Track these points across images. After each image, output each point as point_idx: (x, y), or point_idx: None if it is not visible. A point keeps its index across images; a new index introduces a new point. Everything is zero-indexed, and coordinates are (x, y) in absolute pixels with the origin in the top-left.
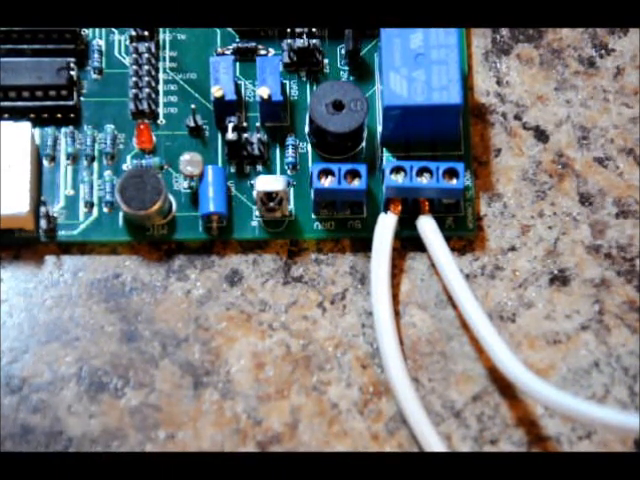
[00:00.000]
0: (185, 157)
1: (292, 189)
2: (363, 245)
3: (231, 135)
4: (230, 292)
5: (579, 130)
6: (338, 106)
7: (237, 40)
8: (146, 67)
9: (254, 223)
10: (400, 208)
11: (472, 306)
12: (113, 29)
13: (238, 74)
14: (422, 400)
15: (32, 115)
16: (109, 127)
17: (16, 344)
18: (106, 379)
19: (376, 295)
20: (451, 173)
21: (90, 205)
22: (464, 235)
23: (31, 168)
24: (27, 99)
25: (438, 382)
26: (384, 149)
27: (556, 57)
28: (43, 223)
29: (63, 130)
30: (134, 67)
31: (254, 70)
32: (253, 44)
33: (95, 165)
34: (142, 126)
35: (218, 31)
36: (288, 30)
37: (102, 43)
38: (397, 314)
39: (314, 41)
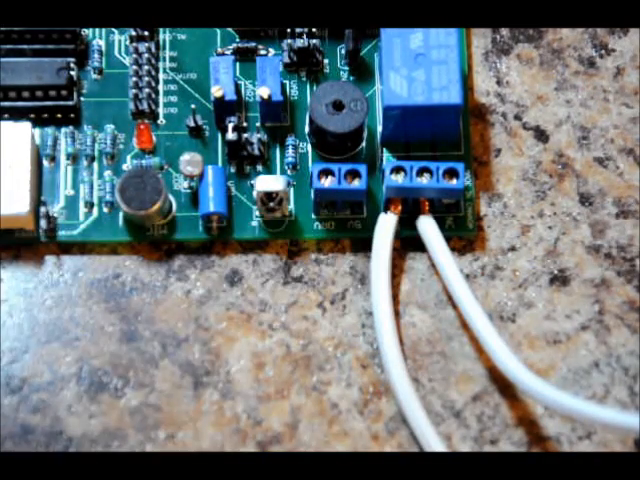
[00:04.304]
0: (185, 157)
1: (292, 189)
2: (363, 245)
3: (231, 135)
4: (230, 292)
5: (579, 130)
6: (338, 106)
7: (237, 40)
8: (146, 67)
9: (254, 223)
10: (400, 208)
11: (472, 306)
12: (113, 29)
13: (238, 74)
14: (422, 400)
15: (32, 115)
16: (109, 127)
17: (16, 344)
18: (106, 379)
19: (376, 295)
20: (451, 173)
21: (90, 205)
22: (464, 235)
23: (31, 168)
24: (27, 99)
25: (438, 382)
26: (384, 149)
27: (556, 57)
28: (43, 223)
29: (63, 130)
30: (134, 67)
31: (254, 70)
32: (253, 44)
33: (95, 165)
34: (142, 126)
35: (218, 31)
36: (288, 30)
37: (102, 43)
38: (397, 314)
39: (314, 41)
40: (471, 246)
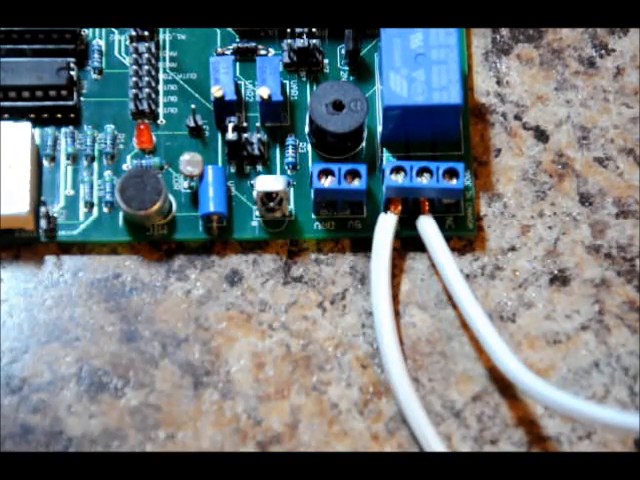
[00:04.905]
0: (185, 157)
1: (292, 189)
2: (363, 245)
3: (231, 135)
4: (230, 292)
5: (579, 130)
6: (338, 106)
7: (237, 40)
8: (146, 67)
9: (254, 223)
10: (400, 208)
11: (472, 306)
12: (113, 29)
13: (238, 74)
14: (422, 400)
15: (32, 115)
16: (109, 127)
17: (16, 344)
18: (106, 379)
19: (376, 295)
20: (451, 173)
21: (90, 205)
22: (464, 235)
23: (31, 168)
24: (27, 99)
25: (438, 382)
26: (384, 149)
27: (556, 57)
28: (43, 223)
29: (63, 130)
30: (134, 67)
31: (254, 70)
32: (253, 44)
33: (95, 165)
34: (142, 126)
35: (218, 31)
36: (288, 30)
37: (102, 43)
38: (397, 314)
39: (314, 41)
40: (471, 246)
